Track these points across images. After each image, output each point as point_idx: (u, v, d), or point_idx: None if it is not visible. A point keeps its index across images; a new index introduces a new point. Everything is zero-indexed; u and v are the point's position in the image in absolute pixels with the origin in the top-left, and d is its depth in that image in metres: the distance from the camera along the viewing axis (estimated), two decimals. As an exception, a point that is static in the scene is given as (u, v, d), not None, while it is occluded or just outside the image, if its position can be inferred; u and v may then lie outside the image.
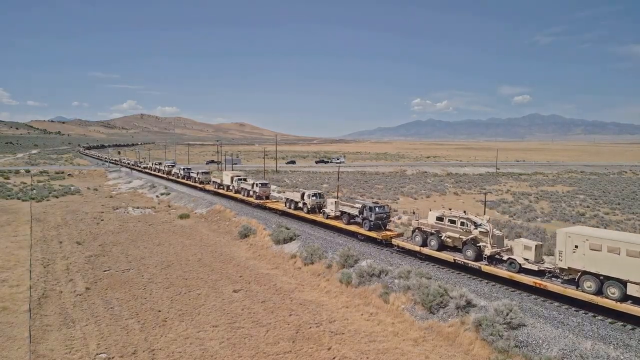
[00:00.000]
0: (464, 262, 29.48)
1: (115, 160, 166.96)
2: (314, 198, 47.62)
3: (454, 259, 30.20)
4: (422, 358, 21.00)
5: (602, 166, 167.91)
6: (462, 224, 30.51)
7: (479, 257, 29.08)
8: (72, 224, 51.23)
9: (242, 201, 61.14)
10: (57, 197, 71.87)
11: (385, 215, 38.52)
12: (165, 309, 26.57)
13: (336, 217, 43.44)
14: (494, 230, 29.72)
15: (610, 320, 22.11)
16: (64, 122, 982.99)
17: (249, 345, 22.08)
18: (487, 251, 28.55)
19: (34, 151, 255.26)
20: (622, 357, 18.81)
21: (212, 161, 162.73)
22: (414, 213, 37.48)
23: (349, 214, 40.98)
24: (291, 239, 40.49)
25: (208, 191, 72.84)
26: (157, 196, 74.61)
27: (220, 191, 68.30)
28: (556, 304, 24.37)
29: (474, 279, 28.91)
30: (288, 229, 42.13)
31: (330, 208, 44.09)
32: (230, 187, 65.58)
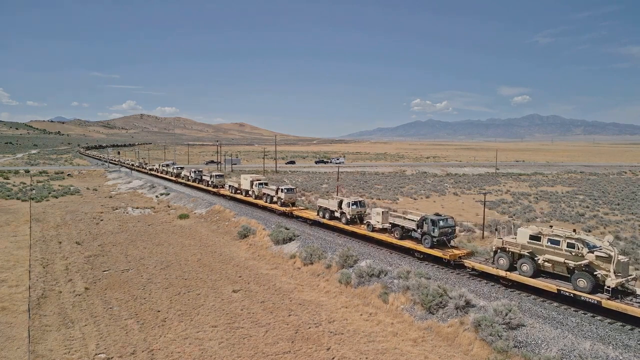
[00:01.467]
0: (573, 293, 23.58)
1: (117, 160, 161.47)
2: (355, 207, 41.41)
3: (558, 289, 24.24)
4: (421, 358, 21.01)
5: (602, 166, 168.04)
6: (571, 245, 24.45)
7: (595, 288, 23.25)
8: (71, 224, 51.23)
9: (263, 208, 55.66)
10: (56, 198, 71.87)
11: (450, 230, 32.68)
12: (164, 309, 26.57)
13: (383, 230, 37.56)
14: (619, 255, 23.70)
15: (609, 320, 22.11)
16: (63, 122, 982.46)
17: (248, 345, 22.08)
18: (610, 282, 22.57)
19: (34, 151, 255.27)
20: (621, 357, 18.82)
21: (212, 161, 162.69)
22: (496, 230, 30.18)
23: (402, 227, 35.12)
24: (290, 239, 40.49)
25: (223, 196, 66.73)
26: (156, 196, 74.60)
27: (238, 196, 62.46)
28: (555, 304, 24.38)
29: (473, 279, 28.91)
30: (287, 229, 42.13)
31: (376, 219, 38.00)
32: (250, 192, 59.76)
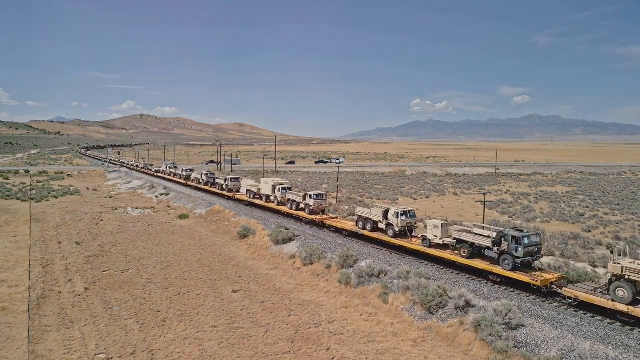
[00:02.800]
0: None
1: (121, 162, 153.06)
2: (404, 217, 36.11)
3: None
4: (421, 358, 21.01)
5: (602, 167, 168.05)
6: None
7: None
8: (71, 224, 51.22)
9: (288, 215, 50.77)
10: (56, 198, 71.85)
11: (537, 249, 27.55)
12: (164, 309, 26.57)
13: (442, 246, 32.61)
14: None
15: (609, 320, 22.12)
16: (63, 123, 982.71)
17: (248, 345, 22.08)
18: None
19: (34, 151, 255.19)
20: (620, 358, 18.83)
21: (212, 161, 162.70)
22: (611, 252, 24.25)
23: (472, 244, 29.99)
24: (290, 240, 40.49)
25: (240, 201, 62.15)
26: (156, 196, 74.60)
27: (257, 202, 57.77)
28: (555, 304, 24.39)
29: (472, 279, 28.91)
30: (287, 229, 42.11)
31: (433, 233, 33.02)
32: (272, 198, 55.13)
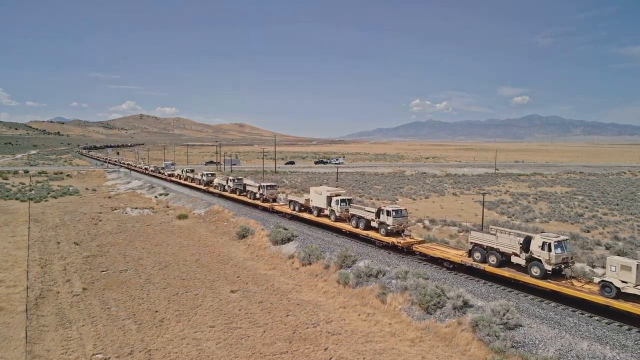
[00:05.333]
0: None
1: (128, 164, 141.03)
2: (559, 251, 25.54)
3: None
4: (418, 358, 21.00)
5: (601, 167, 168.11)
6: None
7: None
8: (70, 224, 51.20)
9: (352, 235, 40.64)
10: (55, 198, 71.85)
11: None
12: (162, 310, 26.55)
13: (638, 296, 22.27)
14: None
15: (607, 320, 22.10)
16: (63, 123, 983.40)
17: (246, 345, 22.07)
18: None
19: (33, 152, 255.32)
20: (618, 358, 18.83)
21: (212, 162, 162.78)
22: None
23: None
24: (289, 240, 40.45)
25: (279, 214, 52.50)
26: (155, 197, 74.60)
27: (304, 215, 47.73)
28: (553, 304, 24.38)
29: (471, 279, 28.91)
30: (286, 230, 42.06)
31: (622, 277, 22.49)
32: (326, 212, 44.94)
